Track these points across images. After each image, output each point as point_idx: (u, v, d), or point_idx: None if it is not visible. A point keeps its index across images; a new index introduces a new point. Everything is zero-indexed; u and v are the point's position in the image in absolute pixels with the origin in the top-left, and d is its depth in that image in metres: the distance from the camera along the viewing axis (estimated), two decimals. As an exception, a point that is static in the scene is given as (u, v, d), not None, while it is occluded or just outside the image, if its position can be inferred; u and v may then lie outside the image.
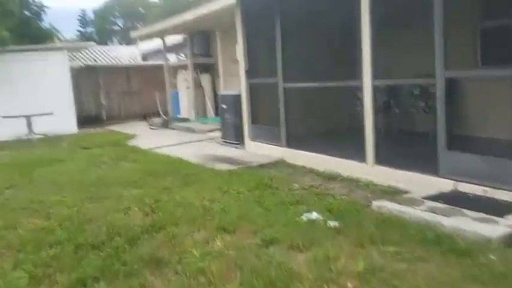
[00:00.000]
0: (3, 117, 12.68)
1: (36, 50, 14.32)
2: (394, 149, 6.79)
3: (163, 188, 6.53)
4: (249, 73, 8.92)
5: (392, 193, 5.71)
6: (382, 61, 6.32)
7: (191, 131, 13.20)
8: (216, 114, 14.87)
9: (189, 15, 12.41)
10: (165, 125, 14.76)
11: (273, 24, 7.91)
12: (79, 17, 50.50)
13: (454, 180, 5.33)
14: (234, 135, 10.03)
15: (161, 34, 15.54)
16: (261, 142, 8.73)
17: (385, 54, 6.45)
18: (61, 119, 14.64)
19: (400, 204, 5.17)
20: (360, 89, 6.60)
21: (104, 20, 57.21)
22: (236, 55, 11.42)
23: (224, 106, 10.30)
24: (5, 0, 12.31)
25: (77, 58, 18.42)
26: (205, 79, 15.16)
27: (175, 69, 16.84)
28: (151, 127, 15.01)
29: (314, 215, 4.86)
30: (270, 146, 8.44)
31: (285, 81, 7.87)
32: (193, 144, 10.82)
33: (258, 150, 8.75)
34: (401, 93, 8.59)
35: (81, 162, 9.12)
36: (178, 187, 6.55)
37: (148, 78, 18.74)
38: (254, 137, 9.00)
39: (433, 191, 5.38)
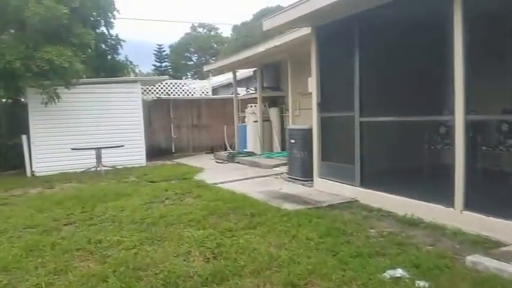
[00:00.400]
0: (73, 149, 12.68)
1: (110, 82, 14.40)
2: (487, 193, 5.83)
3: (226, 229, 5.91)
4: (322, 106, 8.23)
5: (486, 245, 4.81)
6: (475, 93, 5.47)
7: (257, 165, 12.63)
8: (283, 148, 14.29)
9: (261, 48, 12.04)
10: (231, 158, 14.30)
11: (350, 54, 7.23)
12: (155, 52, 52.26)
13: None
14: (302, 172, 9.33)
15: (232, 68, 15.33)
16: (331, 180, 7.96)
17: (480, 85, 5.60)
18: (131, 151, 14.60)
19: (499, 260, 4.26)
20: (445, 125, 5.75)
21: (179, 55, 59.09)
22: (307, 88, 10.85)
23: (292, 141, 9.66)
24: (81, 33, 12.43)
25: (151, 91, 18.56)
26: (273, 113, 14.66)
27: (244, 103, 16.52)
28: (218, 161, 14.60)
29: (399, 272, 4.03)
30: (342, 184, 7.64)
31: (362, 115, 7.12)
32: (258, 180, 10.21)
33: (328, 189, 7.97)
34: (487, 129, 7.58)
35: (145, 197, 8.69)
36: (242, 229, 5.90)
37: (218, 111, 18.56)
38: (323, 175, 8.25)
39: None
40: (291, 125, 12.00)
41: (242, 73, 19.24)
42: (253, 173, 11.19)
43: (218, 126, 18.43)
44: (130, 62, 17.39)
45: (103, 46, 15.93)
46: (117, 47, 16.13)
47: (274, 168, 11.82)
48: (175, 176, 11.47)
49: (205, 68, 16.15)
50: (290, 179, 9.71)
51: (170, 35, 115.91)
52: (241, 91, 17.93)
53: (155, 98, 17.90)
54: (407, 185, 6.61)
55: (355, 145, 7.25)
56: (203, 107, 18.58)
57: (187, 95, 19.54)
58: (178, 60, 58.47)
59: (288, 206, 7.04)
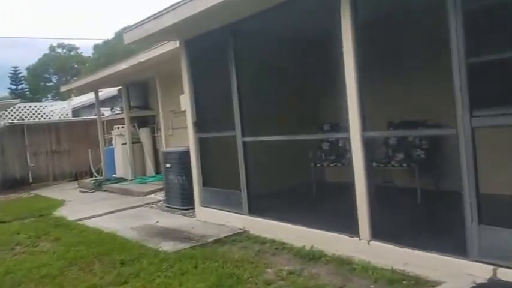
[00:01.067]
0: None
1: None
2: (397, 219, 5.21)
3: (89, 287, 4.59)
4: (199, 126, 7.19)
5: (406, 282, 4.05)
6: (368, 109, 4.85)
7: (128, 193, 11.18)
8: (157, 172, 12.98)
9: (123, 65, 10.70)
10: (98, 186, 12.62)
11: (226, 69, 6.32)
12: (10, 74, 47.24)
13: (492, 264, 3.79)
14: (181, 200, 8.20)
15: (93, 87, 13.67)
16: (216, 208, 6.92)
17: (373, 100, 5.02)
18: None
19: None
20: (328, 140, 5.09)
21: (38, 76, 54.23)
22: (180, 106, 9.77)
23: (168, 165, 8.48)
24: None
25: (1, 117, 16.01)
26: (144, 133, 13.30)
27: (110, 124, 14.88)
28: (82, 190, 12.81)
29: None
30: (228, 213, 6.65)
31: (245, 134, 6.21)
32: (130, 212, 8.82)
33: (212, 218, 6.93)
34: (375, 143, 7.17)
35: None
36: (109, 285, 4.62)
37: (80, 134, 16.61)
38: (206, 202, 7.19)
39: (465, 281, 3.81)
40: (165, 148, 10.78)
41: (106, 92, 17.51)
42: (124, 204, 9.75)
43: (81, 151, 16.46)
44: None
45: None
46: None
47: (149, 196, 10.49)
48: (31, 213, 9.62)
49: (63, 89, 14.23)
50: (168, 209, 8.50)
51: (27, 57, 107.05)
52: (106, 111, 16.24)
53: (7, 124, 15.45)
54: (302, 211, 5.86)
55: (239, 168, 6.33)
56: (62, 130, 16.46)
57: (45, 118, 17.24)
58: (37, 82, 53.56)
59: (168, 246, 5.85)
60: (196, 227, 6.80)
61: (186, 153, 7.90)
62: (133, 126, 13.18)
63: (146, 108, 13.52)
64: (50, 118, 17.21)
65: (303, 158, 7.25)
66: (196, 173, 7.29)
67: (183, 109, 9.56)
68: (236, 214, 6.48)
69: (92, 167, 16.04)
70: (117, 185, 12.16)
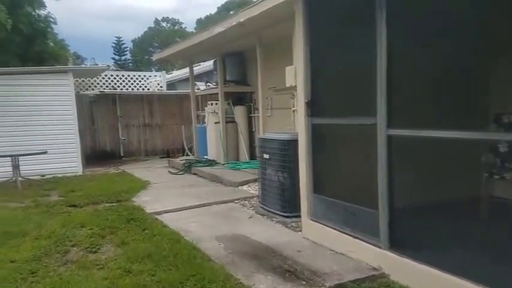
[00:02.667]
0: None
1: (32, 73, 10.80)
2: None
3: None
4: (313, 108, 4.95)
5: None
6: None
7: (219, 181, 9.32)
8: (251, 157, 11.02)
9: (218, 28, 8.70)
10: (188, 168, 10.94)
11: (368, 25, 4.00)
12: (113, 44, 47.77)
13: None
14: (281, 203, 6.08)
15: (186, 57, 11.92)
16: (333, 228, 4.71)
17: None
18: (62, 157, 11.19)
19: None
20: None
21: (143, 50, 54.90)
22: (283, 81, 7.61)
23: (266, 156, 6.37)
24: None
25: (93, 85, 14.93)
26: (239, 112, 11.35)
27: (205, 100, 13.17)
28: (171, 171, 11.19)
29: None
30: (352, 239, 4.40)
31: (392, 124, 3.89)
32: (219, 209, 6.88)
33: (326, 241, 4.75)
34: None
35: (44, 241, 5.29)
36: None
37: (174, 109, 15.18)
38: (318, 216, 4.99)
39: None
40: (262, 132, 8.72)
41: (204, 66, 15.85)
42: (213, 195, 7.86)
43: (174, 127, 15.07)
44: (66, 49, 13.75)
45: (29, 29, 12.18)
46: (47, 31, 12.42)
47: (241, 187, 8.54)
48: (108, 196, 8.08)
49: (155, 56, 12.69)
50: (264, 211, 6.43)
51: (133, 30, 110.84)
52: (202, 86, 14.56)
53: (98, 93, 14.30)
54: (486, 255, 3.43)
55: (378, 174, 4.03)
56: (156, 103, 15.05)
57: (138, 89, 15.93)
58: (142, 54, 54.19)
59: (265, 284, 3.79)
60: (305, 252, 4.63)
61: (291, 143, 5.76)
62: (228, 104, 11.28)
63: (243, 84, 11.53)
64: (143, 89, 15.88)
65: (466, 164, 4.77)
66: (306, 172, 5.10)
67: (288, 84, 7.40)
68: (367, 244, 4.21)
69: (185, 145, 14.55)
70: (207, 169, 10.37)
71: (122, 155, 14.62)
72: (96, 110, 14.23)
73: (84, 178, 10.78)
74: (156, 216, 6.43)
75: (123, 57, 48.21)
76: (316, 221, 4.96)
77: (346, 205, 4.52)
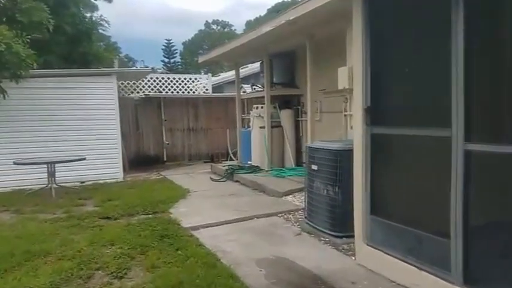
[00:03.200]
0: (15, 163, 8.86)
1: (74, 75, 10.57)
2: None
3: None
4: (373, 115, 4.24)
5: None
6: None
7: (261, 189, 8.71)
8: (297, 163, 10.36)
9: (265, 27, 8.11)
10: (230, 175, 10.40)
11: (444, 17, 3.27)
12: (163, 47, 48.08)
13: None
14: (330, 221, 5.37)
15: (232, 58, 11.42)
16: (393, 256, 3.98)
17: None
18: (103, 162, 10.91)
19: None
20: None
21: (192, 52, 55.26)
22: (334, 83, 6.93)
23: (314, 167, 5.69)
24: (29, 8, 8.68)
25: (138, 88, 14.70)
26: (285, 116, 10.70)
27: (251, 103, 12.63)
28: (212, 178, 10.69)
29: None
30: (416, 270, 3.66)
31: (472, 137, 3.14)
32: (260, 225, 6.24)
33: (385, 270, 4.03)
34: None
35: (66, 263, 4.74)
36: None
37: (219, 112, 14.71)
38: (376, 241, 4.26)
39: None
40: (310, 140, 8.04)
41: (252, 68, 15.35)
42: (254, 207, 7.25)
43: (219, 130, 14.61)
44: (117, 51, 13.58)
45: (73, 30, 12.03)
46: (93, 32, 12.25)
47: (285, 198, 7.90)
48: (146, 206, 7.61)
49: (201, 59, 12.27)
50: (310, 228, 5.75)
51: (183, 32, 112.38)
52: (249, 88, 14.02)
53: (143, 96, 14.04)
54: None
55: (451, 197, 3.28)
56: (201, 106, 14.63)
57: (183, 92, 15.55)
58: (192, 57, 54.54)
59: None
60: (360, 284, 3.92)
61: (345, 154, 5.07)
62: (274, 107, 10.66)
63: (290, 86, 10.87)
64: (188, 92, 15.50)
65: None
66: (362, 189, 4.38)
67: (340, 87, 6.70)
68: (435, 277, 3.46)
69: (229, 149, 14.08)
70: (250, 176, 9.78)
71: (165, 159, 14.29)
72: (141, 114, 13.96)
73: (124, 185, 10.44)
74: (192, 232, 5.88)
75: (172, 60, 48.53)
76: (374, 247, 4.23)
77: (411, 230, 3.78)
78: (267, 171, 10.23)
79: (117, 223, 6.73)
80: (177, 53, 49.68)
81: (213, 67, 37.66)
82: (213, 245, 5.27)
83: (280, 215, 6.75)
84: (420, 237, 3.66)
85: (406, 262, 3.80)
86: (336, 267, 4.38)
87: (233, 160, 12.74)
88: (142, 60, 46.37)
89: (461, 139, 3.16)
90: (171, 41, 48.27)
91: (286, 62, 10.80)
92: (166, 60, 47.95)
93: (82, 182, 10.54)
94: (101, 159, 10.86)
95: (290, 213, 6.79)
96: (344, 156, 5.10)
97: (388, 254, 4.02)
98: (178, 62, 49.61)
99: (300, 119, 10.63)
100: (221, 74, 22.99)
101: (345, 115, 8.33)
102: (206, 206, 7.60)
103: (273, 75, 10.80)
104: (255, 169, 10.48)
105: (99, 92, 10.91)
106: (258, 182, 9.03)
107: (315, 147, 5.74)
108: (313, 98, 8.56)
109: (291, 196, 7.99)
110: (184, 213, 7.04)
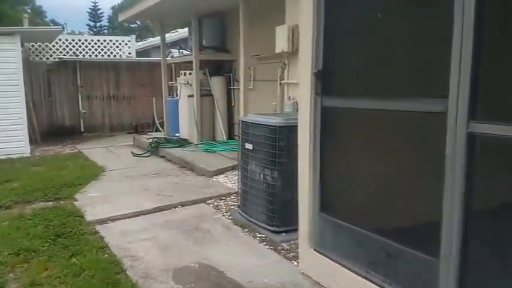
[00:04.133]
0: None
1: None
2: None
3: None
4: (326, 82, 3.15)
5: None
6: None
7: (190, 167, 7.55)
8: (230, 137, 9.27)
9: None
10: (155, 149, 9.11)
11: None
12: (89, 10, 44.21)
13: None
14: (267, 212, 4.31)
15: (155, 16, 9.91)
16: (348, 267, 2.99)
17: None
18: (5, 134, 9.23)
19: None
20: None
21: (121, 16, 51.62)
22: (269, 47, 5.82)
23: (249, 146, 4.58)
24: None
25: (51, 51, 12.77)
26: (216, 84, 9.45)
27: (179, 69, 11.26)
28: (134, 153, 9.31)
29: None
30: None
31: (478, 115, 2.15)
32: (185, 216, 5.05)
33: (335, 284, 3.05)
34: None
35: None
36: None
37: (145, 79, 13.17)
38: (325, 245, 3.25)
39: None
40: (245, 114, 6.90)
41: (181, 33, 13.83)
42: (180, 191, 6.08)
43: (144, 99, 13.10)
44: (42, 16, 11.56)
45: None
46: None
47: (216, 179, 6.77)
48: (49, 190, 6.28)
49: (120, 17, 10.56)
50: (244, 221, 4.67)
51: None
52: (177, 53, 12.56)
53: (56, 60, 12.19)
54: None
55: (444, 197, 2.30)
56: (123, 72, 13.00)
57: (106, 57, 13.78)
58: (121, 22, 50.94)
59: None
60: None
61: (287, 131, 4.02)
62: (204, 74, 9.38)
63: (222, 51, 9.60)
64: (108, 56, 13.71)
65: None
66: (309, 178, 3.33)
67: (278, 50, 5.58)
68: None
69: (156, 120, 12.67)
70: (177, 151, 8.54)
71: (82, 130, 12.64)
72: (54, 80, 12.14)
73: (29, 161, 8.85)
74: (97, 228, 4.64)
75: (98, 24, 44.88)
76: (323, 254, 3.22)
77: (376, 239, 2.79)
78: (196, 145, 9.02)
79: (7, 214, 5.36)
80: (103, 16, 45.99)
81: (143, 33, 35.15)
82: (121, 247, 4.07)
83: (210, 201, 5.62)
84: (390, 248, 2.68)
85: (367, 279, 2.83)
86: (275, 279, 3.35)
87: (160, 131, 11.39)
88: (64, 24, 42.40)
89: (463, 116, 2.15)
90: (97, 4, 44.57)
91: (218, 23, 9.48)
92: (92, 24, 44.25)
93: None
94: (2, 131, 9.19)
95: (221, 199, 5.69)
96: (285, 134, 4.04)
97: (343, 266, 3.03)
98: (105, 26, 46.00)
99: (232, 87, 9.43)
100: (150, 38, 21.12)
101: (281, 84, 7.32)
102: (122, 190, 6.32)
103: (202, 37, 9.47)
104: (183, 143, 9.24)
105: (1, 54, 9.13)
106: (186, 160, 7.82)
107: (249, 122, 4.60)
108: (246, 64, 7.38)
109: (222, 176, 6.88)
110: (93, 200, 5.75)
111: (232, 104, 9.43)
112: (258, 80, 8.35)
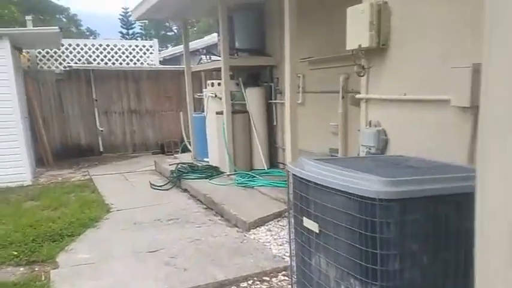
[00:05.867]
0: None
1: None
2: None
3: None
4: None
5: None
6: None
7: (217, 211, 5.55)
8: (272, 164, 7.25)
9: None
10: (176, 181, 7.17)
11: None
12: (120, 17, 42.43)
13: None
14: None
15: (176, 12, 7.97)
16: None
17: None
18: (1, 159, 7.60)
19: None
20: None
21: (158, 24, 50.49)
22: (348, 41, 3.68)
23: (312, 226, 2.48)
24: None
25: (63, 60, 11.09)
26: (253, 97, 7.35)
27: (208, 77, 9.35)
28: (153, 184, 7.35)
29: None
30: None
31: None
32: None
33: None
34: None
35: None
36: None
37: (170, 90, 11.32)
38: None
39: None
40: (297, 162, 4.83)
41: (214, 37, 11.87)
42: (200, 258, 4.06)
43: (170, 114, 11.24)
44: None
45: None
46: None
47: (255, 233, 4.70)
48: (26, 245, 4.62)
49: (134, 15, 8.47)
50: None
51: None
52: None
53: (67, 69, 10.48)
54: None
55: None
56: (145, 82, 11.17)
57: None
58: (157, 29, 49.52)
59: None
60: None
61: (399, 209, 1.90)
62: (237, 84, 7.37)
63: (259, 54, 7.53)
64: (127, 64, 11.84)
65: None
66: None
67: (351, 46, 3.45)
68: None
69: (185, 137, 10.79)
70: (203, 185, 6.56)
71: (101, 150, 10.88)
72: (65, 92, 10.44)
73: (27, 193, 7.15)
74: None
75: (131, 31, 43.30)
76: None
77: None
78: (228, 175, 7.01)
79: None
80: (135, 23, 44.41)
81: (180, 41, 33.52)
82: None
83: (245, 284, 3.58)
84: None
85: None
86: None
87: (190, 151, 9.45)
88: (95, 31, 41.04)
89: None
90: (128, 10, 42.89)
91: (254, 19, 7.43)
92: (124, 31, 42.64)
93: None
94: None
95: (263, 280, 3.64)
96: (395, 214, 1.94)
97: None
98: (138, 33, 44.48)
99: (273, 101, 7.35)
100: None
101: (344, 97, 5.30)
102: (121, 250, 4.42)
103: (234, 38, 7.47)
104: (212, 173, 7.24)
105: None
106: (213, 199, 5.79)
107: (309, 180, 2.47)
108: (293, 70, 5.30)
109: (264, 229, 4.82)
110: (77, 271, 3.91)
111: (274, 123, 7.36)
112: (308, 92, 6.26)
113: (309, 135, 5.95)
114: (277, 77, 7.11)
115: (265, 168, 7.07)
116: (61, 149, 10.41)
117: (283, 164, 7.18)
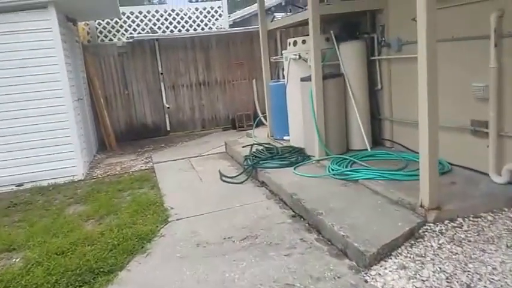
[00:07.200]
0: None
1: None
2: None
3: None
4: None
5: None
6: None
7: (311, 222, 3.67)
8: (375, 140, 5.17)
9: None
10: (251, 171, 5.36)
11: None
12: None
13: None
14: None
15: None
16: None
17: None
18: (47, 151, 6.36)
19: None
20: None
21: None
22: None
23: None
24: None
25: (125, 30, 9.55)
26: (350, 55, 5.20)
27: (285, 38, 7.37)
28: (224, 176, 5.59)
29: None
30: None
31: None
32: None
33: None
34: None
35: None
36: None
37: (242, 56, 9.43)
38: None
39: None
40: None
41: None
42: None
43: (243, 83, 9.43)
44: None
45: None
46: None
47: (380, 274, 2.73)
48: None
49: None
50: None
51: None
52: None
53: (130, 40, 8.94)
54: None
55: None
56: (214, 50, 9.37)
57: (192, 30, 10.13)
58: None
59: None
60: None
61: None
62: (327, 40, 5.30)
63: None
64: (195, 30, 10.00)
65: None
66: None
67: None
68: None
69: (258, 110, 9.02)
70: (286, 179, 4.68)
71: (168, 129, 9.35)
72: (129, 67, 8.95)
73: (75, 192, 5.77)
74: None
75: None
76: None
77: None
78: (318, 161, 5.09)
79: None
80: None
81: (248, 4, 30.77)
82: None
83: None
84: None
85: None
86: None
87: (265, 125, 7.62)
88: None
89: None
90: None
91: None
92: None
93: (19, 185, 6.11)
94: (44, 146, 6.27)
95: None
96: None
97: None
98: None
99: (376, 57, 5.21)
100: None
101: (497, 45, 3.09)
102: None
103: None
104: (297, 157, 5.32)
105: (29, 37, 6.03)
106: (304, 205, 3.90)
107: None
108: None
109: (393, 264, 2.86)
110: None
111: (378, 87, 5.25)
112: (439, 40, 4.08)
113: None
114: (382, 25, 4.94)
115: (368, 149, 5.02)
116: (125, 130, 9.04)
117: (392, 141, 5.12)
